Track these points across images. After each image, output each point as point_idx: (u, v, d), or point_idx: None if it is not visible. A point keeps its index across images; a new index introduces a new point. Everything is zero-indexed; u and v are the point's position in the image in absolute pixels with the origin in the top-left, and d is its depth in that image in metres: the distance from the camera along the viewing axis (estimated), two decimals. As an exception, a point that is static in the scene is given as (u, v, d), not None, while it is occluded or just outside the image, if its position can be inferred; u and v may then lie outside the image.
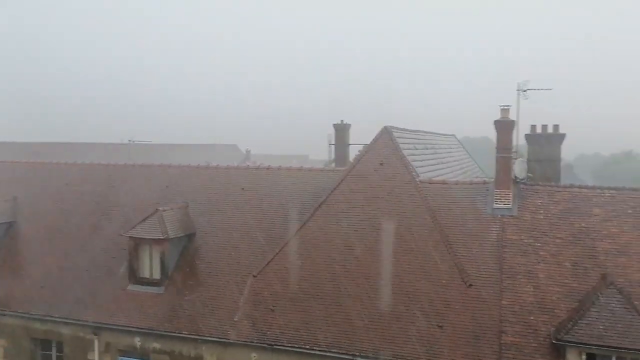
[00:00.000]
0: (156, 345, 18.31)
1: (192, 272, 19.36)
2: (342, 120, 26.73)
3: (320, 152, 44.31)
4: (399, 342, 15.81)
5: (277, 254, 18.37)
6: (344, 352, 16.12)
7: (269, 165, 23.29)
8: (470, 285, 16.31)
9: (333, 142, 26.88)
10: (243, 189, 21.40)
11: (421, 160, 21.83)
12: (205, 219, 20.67)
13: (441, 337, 15.65)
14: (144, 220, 19.67)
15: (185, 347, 17.99)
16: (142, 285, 19.29)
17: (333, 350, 16.20)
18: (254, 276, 18.16)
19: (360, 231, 18.10)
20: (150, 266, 19.32)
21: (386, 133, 20.28)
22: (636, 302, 14.47)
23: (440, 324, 15.81)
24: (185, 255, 19.81)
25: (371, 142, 20.28)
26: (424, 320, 15.98)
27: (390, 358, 15.65)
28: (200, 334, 17.66)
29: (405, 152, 19.97)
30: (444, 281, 16.57)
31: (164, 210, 19.88)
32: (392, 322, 16.16)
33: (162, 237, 19.09)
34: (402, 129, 22.01)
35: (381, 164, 19.46)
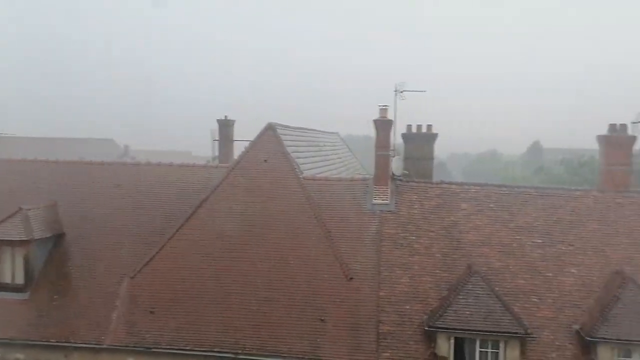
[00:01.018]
0: (19, 356, 16.87)
1: (61, 275, 18.06)
2: (225, 116, 26.33)
3: (203, 149, 43.38)
4: (282, 337, 15.93)
5: (156, 253, 17.70)
6: (226, 350, 15.93)
7: (148, 161, 22.35)
8: (351, 278, 16.83)
9: (217, 138, 26.38)
10: (119, 185, 20.30)
11: (305, 157, 22.14)
12: (76, 218, 19.34)
13: (323, 330, 15.99)
14: (4, 220, 18.02)
15: (53, 355, 16.74)
16: (3, 291, 17.67)
17: (216, 350, 15.96)
18: (131, 277, 17.37)
19: (243, 228, 17.97)
20: (12, 270, 17.75)
21: (270, 129, 20.30)
22: (497, 288, 15.79)
23: (322, 318, 16.15)
24: (53, 258, 18.42)
25: (255, 139, 20.19)
26: (306, 315, 16.24)
27: (274, 354, 15.72)
28: (71, 340, 16.55)
29: (289, 149, 20.13)
30: (326, 275, 16.94)
31: (29, 209, 18.35)
32: (275, 318, 16.24)
33: (25, 238, 17.62)
34: (286, 126, 22.15)
35: (265, 160, 19.45)
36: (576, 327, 15.30)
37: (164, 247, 17.78)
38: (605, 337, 14.52)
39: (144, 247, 18.21)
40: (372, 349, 15.56)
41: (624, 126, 18.45)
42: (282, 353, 15.69)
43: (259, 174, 19.15)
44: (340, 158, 29.57)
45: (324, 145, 27.87)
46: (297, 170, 19.30)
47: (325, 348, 15.69)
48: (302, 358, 15.61)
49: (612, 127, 18.55)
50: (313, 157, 23.82)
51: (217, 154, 26.68)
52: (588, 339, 14.70)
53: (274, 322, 16.18)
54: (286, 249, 17.43)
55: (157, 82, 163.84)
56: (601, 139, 18.69)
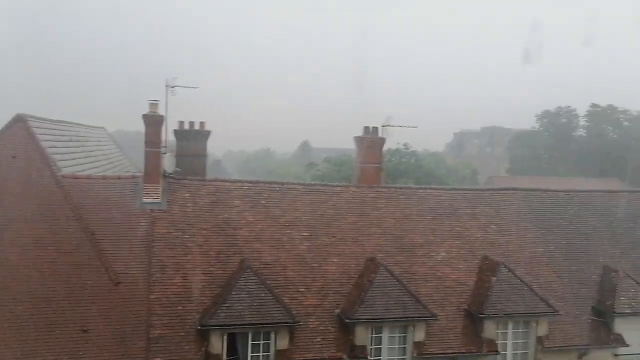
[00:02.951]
0: None
1: None
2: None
3: None
4: (41, 352, 14.28)
5: None
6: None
7: None
8: (118, 283, 15.85)
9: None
10: None
11: (64, 154, 20.14)
12: None
13: (86, 341, 14.76)
14: None
15: None
16: None
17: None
18: None
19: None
20: None
21: (20, 122, 17.98)
22: (269, 281, 16.42)
23: (85, 328, 14.90)
24: None
25: (0, 132, 17.67)
26: (67, 327, 14.80)
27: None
28: None
29: (44, 144, 18.10)
30: (90, 282, 15.68)
31: None
32: (34, 332, 14.49)
33: None
34: (41, 118, 19.87)
35: (14, 156, 17.18)
36: (337, 311, 16.72)
37: None
38: (361, 317, 16.14)
39: None
40: (142, 356, 14.87)
41: (375, 129, 20.75)
42: (38, 372, 14.08)
43: (7, 172, 16.85)
44: (106, 155, 27.62)
45: (87, 141, 25.73)
46: (53, 167, 17.45)
47: (88, 360, 14.51)
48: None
49: (366, 129, 20.74)
50: (74, 153, 21.80)
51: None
52: (347, 320, 16.17)
53: (32, 336, 14.41)
54: (43, 255, 15.66)
55: None
56: (357, 139, 20.76)
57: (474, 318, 17.31)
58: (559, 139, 70.07)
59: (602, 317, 18.35)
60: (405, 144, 49.89)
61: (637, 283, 18.69)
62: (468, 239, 19.41)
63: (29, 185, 16.81)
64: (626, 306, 18.18)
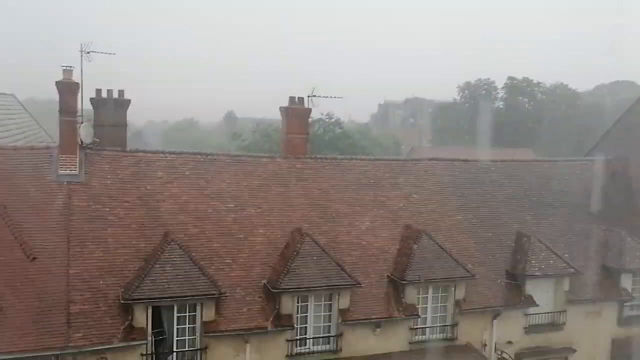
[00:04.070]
0: None
1: None
2: None
3: None
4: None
5: None
6: None
7: None
8: (34, 258, 15.16)
9: None
10: None
11: (-30, 122, 18.77)
12: None
13: (2, 320, 14.07)
14: None
15: None
16: None
17: None
18: None
19: None
20: None
21: None
22: (194, 254, 16.23)
23: (0, 306, 14.19)
24: None
25: None
26: (-22, 305, 14.04)
27: None
28: None
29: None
30: (2, 258, 14.88)
31: None
32: None
33: None
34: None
35: None
36: (264, 281, 16.82)
37: None
38: (287, 287, 16.34)
39: None
40: (62, 332, 14.38)
41: (301, 99, 20.65)
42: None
43: None
44: (17, 124, 26.00)
45: (-3, 109, 24.12)
46: (-41, 137, 16.26)
47: (4, 339, 13.85)
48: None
49: (292, 99, 20.58)
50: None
51: None
52: (273, 291, 16.32)
53: None
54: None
55: None
56: (282, 110, 20.62)
57: (396, 284, 17.96)
58: (478, 111, 72.85)
59: (515, 280, 19.54)
60: (328, 114, 50.02)
61: (547, 247, 19.99)
62: (391, 208, 19.97)
63: None
64: (536, 269, 19.42)
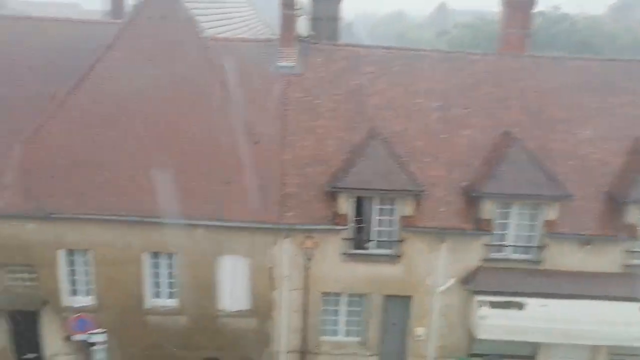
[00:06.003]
0: None
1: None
2: (116, -35, 23.65)
3: (95, 1, 39.45)
4: (187, 200, 15.99)
5: (49, 118, 16.60)
6: (132, 214, 15.86)
7: (30, 15, 20.08)
8: (257, 142, 16.83)
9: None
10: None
11: (206, 15, 20.77)
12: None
13: (229, 193, 16.21)
14: None
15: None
16: None
17: (122, 214, 15.82)
18: (24, 143, 16.35)
19: (142, 90, 17.02)
20: None
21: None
22: (397, 150, 16.47)
23: (228, 181, 16.28)
24: None
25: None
26: (211, 179, 16.27)
27: (179, 216, 15.87)
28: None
29: (188, 5, 18.68)
30: (230, 140, 16.80)
31: None
32: (180, 182, 16.14)
33: None
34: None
35: (163, 17, 18.01)
36: (465, 183, 16.53)
37: (58, 110, 16.66)
38: (489, 191, 15.83)
39: (33, 111, 16.95)
40: (276, 210, 16.11)
41: (525, -11, 18.52)
42: (187, 216, 15.87)
43: (156, 33, 17.80)
44: (242, 17, 28.07)
45: (226, 2, 26.19)
46: (197, 29, 18.14)
47: (230, 210, 16.03)
48: (209, 220, 15.93)
49: (513, -11, 18.56)
50: (214, 14, 22.40)
51: (109, 7, 24.37)
52: (474, 194, 15.99)
53: (179, 186, 16.11)
54: (188, 114, 16.89)
55: None
56: (503, 0, 18.81)
57: (615, 202, 16.25)
58: None
59: None
60: (555, 6, 44.50)
61: None
62: (621, 117, 17.63)
63: (176, 45, 17.56)
64: None
